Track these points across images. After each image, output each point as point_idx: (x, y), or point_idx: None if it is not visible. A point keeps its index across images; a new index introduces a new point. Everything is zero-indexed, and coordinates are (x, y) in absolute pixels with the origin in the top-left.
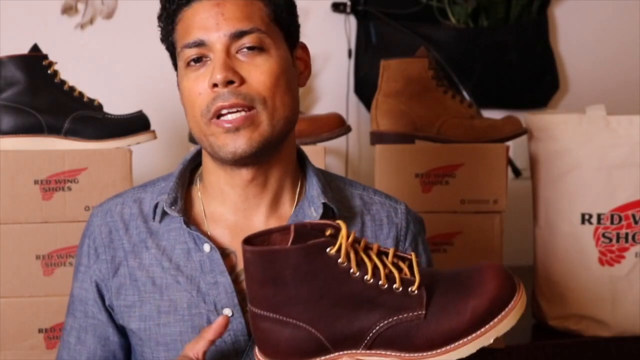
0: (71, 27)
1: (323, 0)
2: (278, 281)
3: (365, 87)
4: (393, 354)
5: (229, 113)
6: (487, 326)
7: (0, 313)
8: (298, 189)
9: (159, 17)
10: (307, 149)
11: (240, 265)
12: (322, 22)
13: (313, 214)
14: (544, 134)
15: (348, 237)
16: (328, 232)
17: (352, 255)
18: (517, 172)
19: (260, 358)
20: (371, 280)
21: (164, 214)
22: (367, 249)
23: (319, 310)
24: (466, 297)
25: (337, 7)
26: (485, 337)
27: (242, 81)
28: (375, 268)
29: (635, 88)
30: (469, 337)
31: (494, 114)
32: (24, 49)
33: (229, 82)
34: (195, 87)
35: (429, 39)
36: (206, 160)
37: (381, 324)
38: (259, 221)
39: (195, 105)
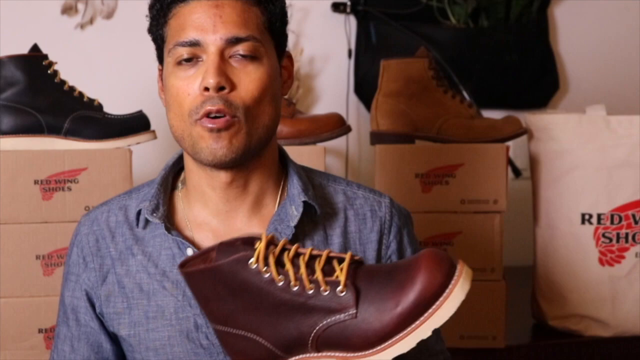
0: (71, 27)
1: (323, 0)
2: (216, 297)
3: (365, 87)
4: (339, 354)
5: (215, 117)
6: (421, 318)
7: (0, 313)
8: (280, 189)
9: (150, 8)
10: (307, 149)
11: None
12: (322, 22)
13: (294, 212)
14: (544, 134)
15: (269, 246)
16: (257, 245)
17: (272, 265)
18: (517, 172)
19: None
20: (296, 287)
21: (148, 220)
22: (297, 255)
23: (259, 319)
24: (396, 292)
25: (337, 7)
26: (422, 330)
27: (232, 88)
28: (297, 274)
29: (635, 88)
30: (403, 333)
31: (494, 114)
32: (24, 49)
33: (220, 88)
34: (185, 87)
35: (429, 39)
36: (188, 161)
37: (318, 327)
38: (242, 223)
39: (183, 105)
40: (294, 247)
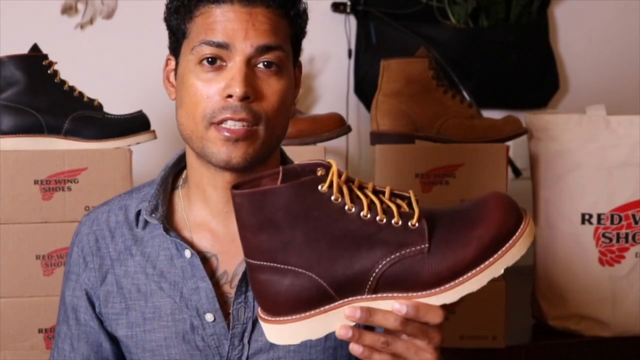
0: (71, 27)
1: (323, 0)
2: (271, 225)
3: (365, 87)
4: (399, 294)
5: (234, 125)
6: (495, 255)
7: (0, 313)
8: None
9: None
10: (307, 149)
11: (221, 268)
12: (322, 22)
13: None
14: (544, 134)
15: (340, 174)
16: (319, 172)
17: (345, 191)
18: (517, 172)
19: (261, 315)
20: (368, 216)
21: (147, 221)
22: (361, 187)
23: (317, 252)
24: (470, 227)
25: (337, 7)
26: (495, 267)
27: (255, 98)
28: (371, 203)
29: (635, 88)
30: (478, 268)
31: (494, 114)
32: (24, 49)
33: (245, 97)
34: (205, 89)
35: (429, 39)
36: (191, 159)
37: (384, 262)
38: None
39: (198, 106)
40: (357, 179)
